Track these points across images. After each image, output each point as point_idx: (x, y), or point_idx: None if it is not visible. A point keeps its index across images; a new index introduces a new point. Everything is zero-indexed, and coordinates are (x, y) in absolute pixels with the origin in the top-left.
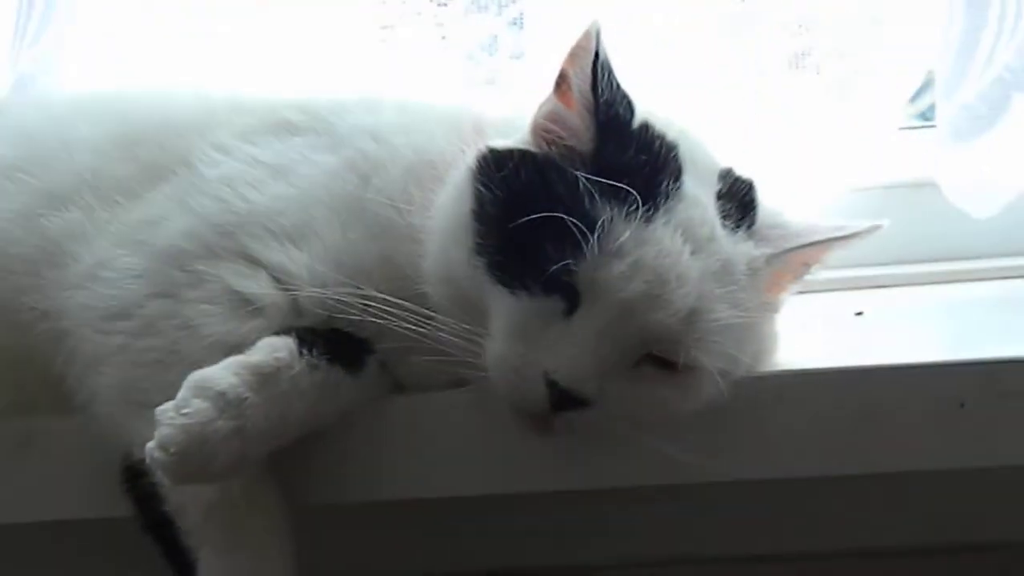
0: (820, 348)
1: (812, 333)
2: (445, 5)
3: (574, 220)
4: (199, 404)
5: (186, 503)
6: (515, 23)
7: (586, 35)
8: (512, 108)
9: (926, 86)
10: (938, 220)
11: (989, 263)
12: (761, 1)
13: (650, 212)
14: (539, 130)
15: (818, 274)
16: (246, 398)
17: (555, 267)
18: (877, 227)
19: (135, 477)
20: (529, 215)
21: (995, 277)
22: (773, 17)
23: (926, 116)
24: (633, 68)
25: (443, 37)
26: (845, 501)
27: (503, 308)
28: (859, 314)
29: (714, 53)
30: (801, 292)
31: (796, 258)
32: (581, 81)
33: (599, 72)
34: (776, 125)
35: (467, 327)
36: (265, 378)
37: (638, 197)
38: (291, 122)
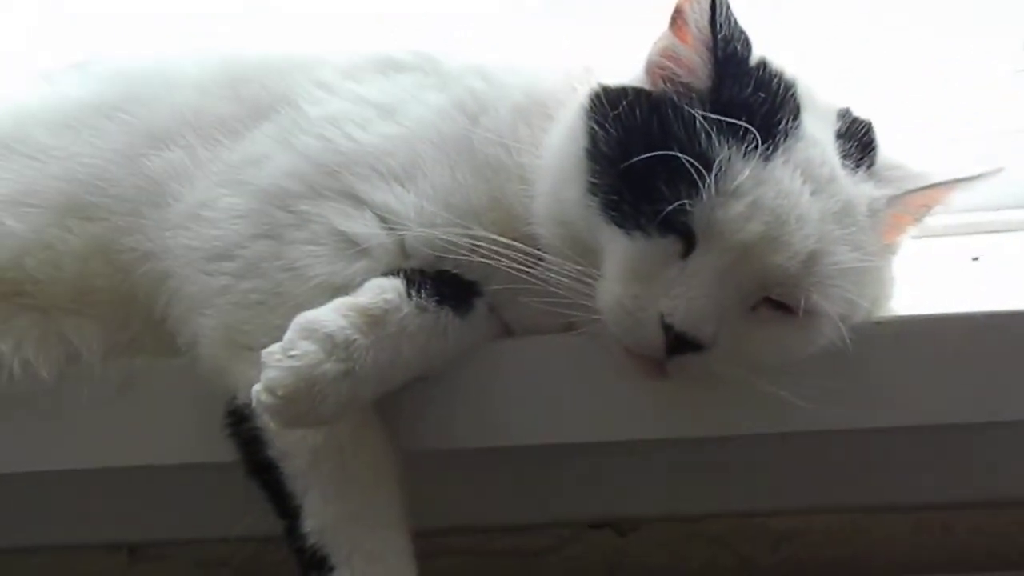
0: (936, 293)
1: (928, 277)
2: None
3: (690, 159)
4: (307, 346)
5: (292, 447)
6: None
7: None
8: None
9: None
10: None
11: None
12: None
13: (769, 151)
14: (654, 67)
15: (934, 218)
16: (354, 340)
17: (671, 207)
18: (998, 170)
19: (239, 421)
20: (644, 154)
21: None
22: None
23: None
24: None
25: None
26: (964, 450)
27: (617, 249)
28: (975, 259)
29: None
30: (916, 237)
31: (916, 200)
32: (699, 16)
33: (717, 7)
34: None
35: (579, 268)
36: (373, 320)
37: (757, 135)
38: (396, 60)
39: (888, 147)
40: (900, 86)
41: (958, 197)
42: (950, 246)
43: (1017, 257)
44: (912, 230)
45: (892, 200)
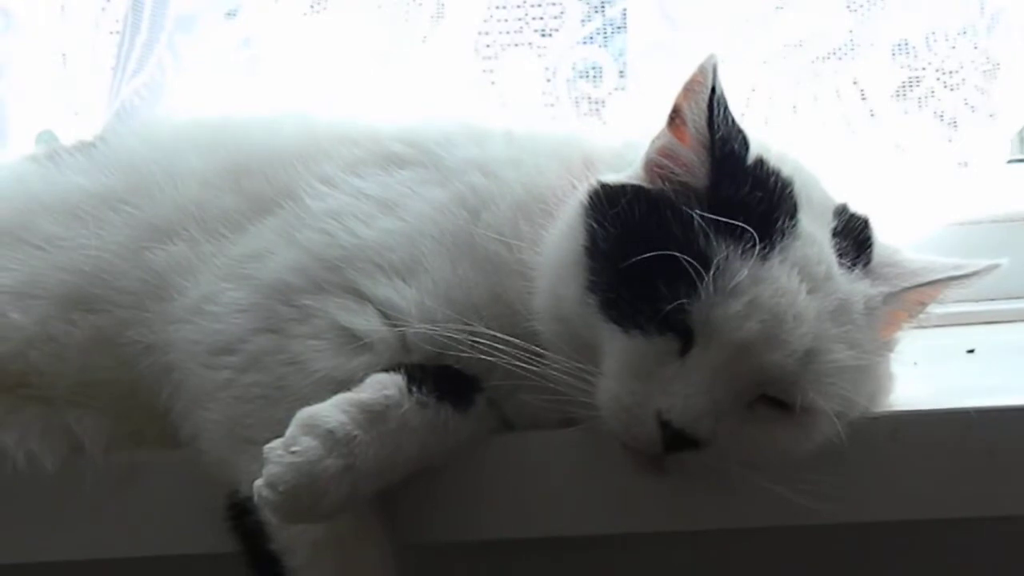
0: (932, 386)
1: (923, 370)
2: (549, 35)
3: (689, 259)
4: (308, 442)
5: (293, 541)
6: (620, 55)
7: (701, 70)
8: (621, 141)
9: None
10: None
11: None
12: (867, 32)
13: (766, 250)
14: (652, 165)
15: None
16: (355, 436)
17: (670, 306)
18: (995, 266)
19: (241, 514)
20: (643, 253)
21: None
22: (879, 48)
23: None
24: (734, 100)
25: (546, 68)
26: (959, 545)
27: (616, 347)
28: (971, 351)
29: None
30: (911, 328)
31: (912, 297)
32: (696, 116)
33: (715, 107)
34: (881, 158)
35: (578, 365)
36: (374, 416)
37: (755, 235)
38: (397, 154)
39: (882, 235)
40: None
41: (954, 293)
42: (946, 337)
43: (1012, 348)
44: (908, 326)
45: (888, 297)
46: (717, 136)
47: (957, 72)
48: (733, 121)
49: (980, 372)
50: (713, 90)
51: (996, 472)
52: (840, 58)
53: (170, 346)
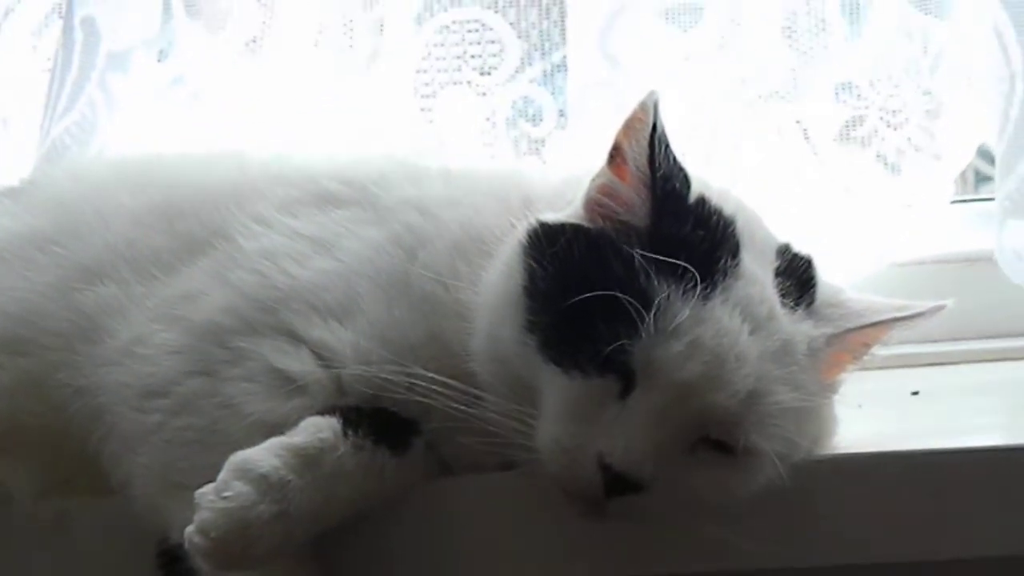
0: (876, 428)
1: (867, 412)
2: (488, 74)
3: (630, 299)
4: (240, 487)
5: None
6: (560, 93)
7: (642, 107)
8: (561, 178)
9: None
10: (993, 295)
11: None
12: (809, 70)
13: (708, 290)
14: (592, 204)
15: (873, 354)
16: (289, 481)
17: (610, 348)
18: (940, 307)
19: (172, 561)
20: (583, 293)
21: None
22: (821, 87)
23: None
24: (675, 137)
25: (486, 106)
26: None
27: (555, 388)
28: (915, 393)
29: (760, 122)
30: (855, 369)
31: (856, 338)
32: (637, 154)
33: (656, 145)
34: (824, 197)
35: (517, 407)
36: (308, 460)
37: (696, 274)
38: (333, 194)
39: (825, 274)
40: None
41: (899, 334)
42: (890, 379)
43: (957, 390)
44: (852, 367)
45: (831, 339)
46: (659, 174)
47: (901, 111)
48: (675, 159)
49: (925, 414)
50: (654, 128)
51: (942, 516)
52: (783, 97)
53: (100, 389)
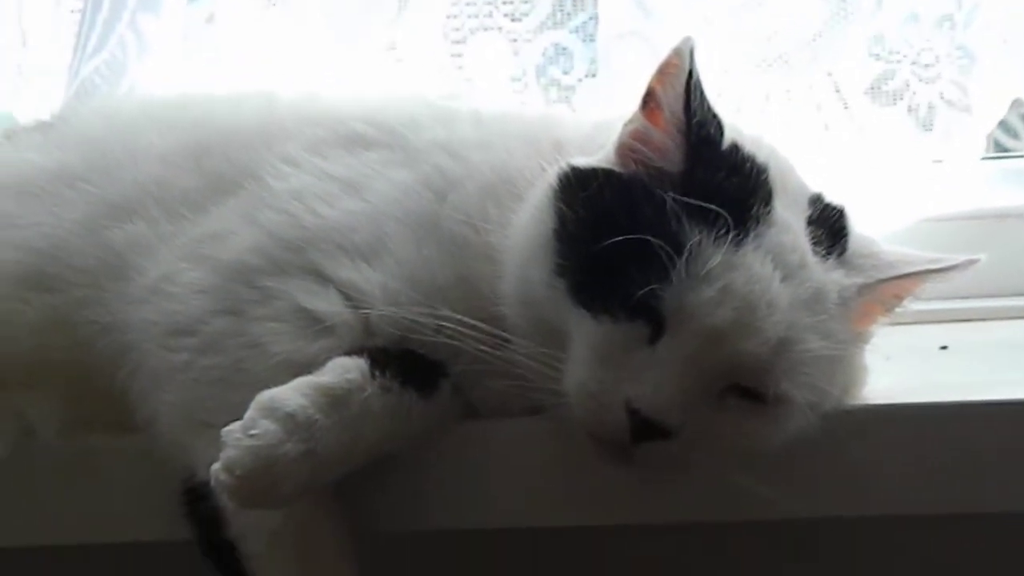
0: (905, 381)
1: (896, 365)
2: (519, 21)
3: (661, 243)
4: (267, 425)
5: (250, 528)
6: (590, 40)
7: (677, 52)
8: (592, 124)
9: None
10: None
11: None
12: (841, 23)
13: (740, 237)
14: (624, 149)
15: (904, 307)
16: (316, 420)
17: (641, 292)
18: (974, 261)
19: (197, 499)
20: (614, 237)
21: None
22: (853, 40)
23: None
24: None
25: (516, 53)
26: (934, 541)
27: (584, 332)
28: (944, 348)
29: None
30: (886, 322)
31: (888, 289)
32: (672, 100)
33: (692, 91)
34: (854, 152)
35: (545, 351)
36: (336, 400)
37: (729, 220)
38: (362, 135)
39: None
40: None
41: (930, 287)
42: (919, 334)
43: (985, 346)
44: (884, 319)
45: (863, 289)
46: (694, 120)
47: (933, 66)
48: (709, 105)
49: (953, 368)
50: (690, 74)
51: (971, 468)
52: (814, 48)
53: (127, 327)
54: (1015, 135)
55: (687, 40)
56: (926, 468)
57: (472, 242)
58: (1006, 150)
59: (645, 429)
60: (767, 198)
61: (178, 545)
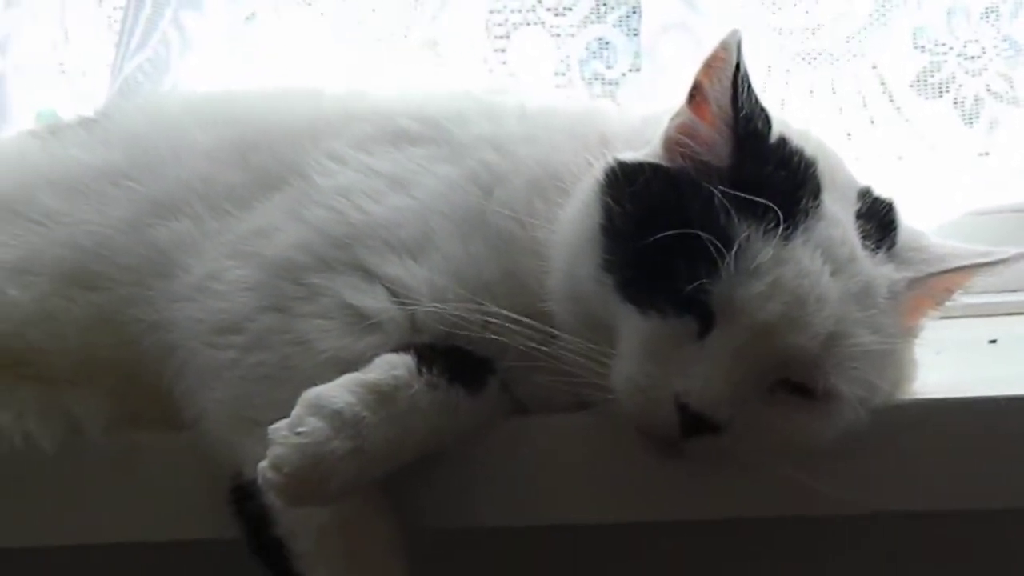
0: (955, 375)
1: (946, 359)
2: (563, 15)
3: (711, 237)
4: (314, 423)
5: (299, 526)
6: (633, 34)
7: (724, 46)
8: (638, 118)
9: None
10: None
11: None
12: (886, 15)
13: (789, 230)
14: (671, 143)
15: (954, 300)
16: (363, 417)
17: (690, 286)
18: (1023, 254)
19: (245, 497)
20: (662, 231)
21: None
22: (899, 32)
23: None
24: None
25: (559, 47)
26: (987, 535)
27: (632, 328)
28: (993, 342)
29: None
30: (936, 315)
31: (938, 283)
32: (719, 94)
33: (739, 84)
34: (900, 144)
35: (593, 347)
36: (383, 397)
37: (778, 214)
38: (408, 131)
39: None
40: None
41: (980, 281)
42: (967, 328)
43: None
44: (934, 313)
45: (913, 283)
46: (741, 114)
47: (979, 58)
48: (756, 99)
49: (1003, 362)
50: (738, 67)
51: (1022, 462)
52: (859, 41)
53: (173, 325)
54: None
55: (734, 33)
56: (977, 462)
57: (518, 237)
58: None
59: (695, 424)
60: (816, 192)
61: (227, 543)
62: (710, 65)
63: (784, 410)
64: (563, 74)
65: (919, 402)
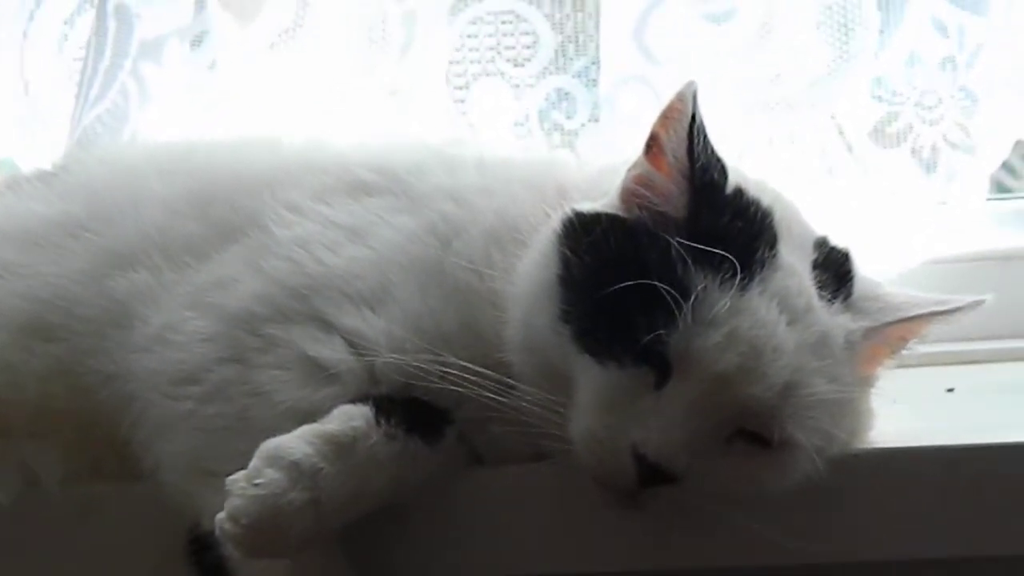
0: (912, 424)
1: (903, 408)
2: (522, 66)
3: (668, 288)
4: (272, 474)
5: None
6: (593, 84)
7: (680, 97)
8: (596, 169)
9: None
10: None
11: None
12: (845, 65)
13: (745, 281)
14: (629, 194)
15: (911, 349)
16: (321, 468)
17: (649, 337)
18: (979, 302)
19: (203, 548)
20: (619, 282)
21: None
22: (857, 82)
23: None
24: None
25: (518, 98)
26: None
27: (589, 378)
28: (950, 391)
29: (794, 117)
30: (893, 365)
31: (894, 332)
32: (676, 145)
33: (695, 136)
34: (858, 194)
35: (551, 397)
36: (341, 448)
37: (735, 264)
38: (366, 182)
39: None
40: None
41: (936, 330)
42: (924, 377)
43: (991, 388)
44: (890, 362)
45: (869, 332)
46: (697, 165)
47: (936, 107)
48: (713, 150)
49: (960, 411)
50: (693, 118)
51: (979, 511)
52: (818, 91)
53: (131, 376)
54: (1018, 176)
55: (690, 84)
56: (934, 512)
57: (477, 288)
58: (1009, 191)
59: (652, 474)
60: (772, 242)
61: None
62: (666, 116)
63: (741, 460)
64: (522, 124)
65: (876, 451)
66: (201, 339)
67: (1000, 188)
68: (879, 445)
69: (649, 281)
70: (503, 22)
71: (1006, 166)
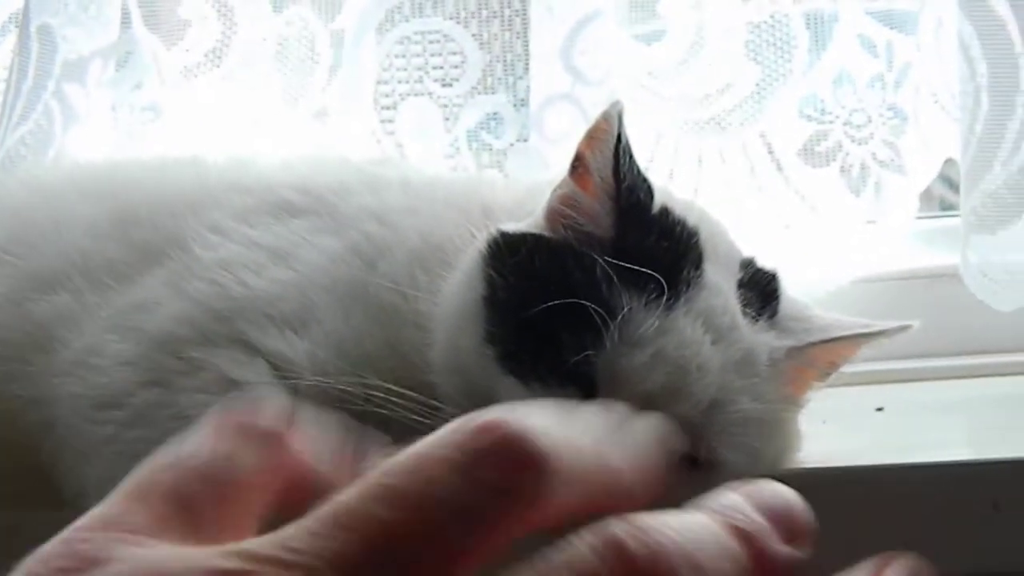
0: (840, 444)
1: (832, 428)
2: (450, 86)
3: (596, 308)
4: None
5: None
6: (522, 104)
7: (606, 117)
8: (522, 188)
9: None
10: (959, 313)
11: (1013, 358)
12: (774, 84)
13: (671, 301)
14: (555, 214)
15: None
16: None
17: (576, 357)
18: (906, 327)
19: None
20: (544, 303)
21: (1020, 372)
22: (786, 101)
23: (941, 205)
24: (638, 151)
25: (447, 118)
26: None
27: (514, 399)
28: (879, 410)
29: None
30: (822, 388)
31: (820, 354)
32: (601, 165)
33: (621, 156)
34: (787, 212)
35: None
36: None
37: (661, 284)
38: (290, 202)
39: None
40: (802, 226)
41: (863, 352)
42: (853, 396)
43: (921, 407)
44: (819, 385)
45: (792, 351)
46: (623, 185)
47: (865, 126)
48: (639, 170)
49: (889, 430)
50: (619, 138)
51: (909, 532)
52: (748, 110)
53: (53, 400)
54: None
55: (616, 104)
56: (864, 532)
57: (401, 310)
58: (952, 207)
59: None
60: (698, 261)
61: None
62: (592, 136)
63: (668, 480)
64: (452, 144)
65: (804, 471)
66: (122, 362)
67: (943, 205)
68: (808, 465)
69: (575, 300)
70: (431, 42)
71: (950, 183)
